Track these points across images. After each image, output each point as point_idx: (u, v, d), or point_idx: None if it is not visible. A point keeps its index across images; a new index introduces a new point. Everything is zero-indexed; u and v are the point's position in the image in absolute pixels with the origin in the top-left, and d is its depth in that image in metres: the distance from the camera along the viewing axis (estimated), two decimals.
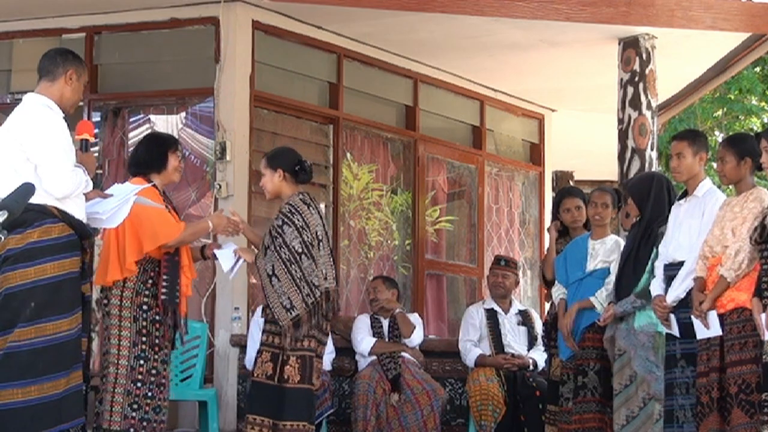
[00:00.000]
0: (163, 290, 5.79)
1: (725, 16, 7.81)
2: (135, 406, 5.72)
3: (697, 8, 7.71)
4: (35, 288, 5.06)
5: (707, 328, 5.77)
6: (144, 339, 5.77)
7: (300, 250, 6.06)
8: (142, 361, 5.75)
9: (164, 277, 5.80)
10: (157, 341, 5.79)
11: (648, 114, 9.05)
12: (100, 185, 6.84)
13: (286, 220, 6.09)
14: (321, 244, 6.15)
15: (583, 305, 6.73)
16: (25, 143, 5.13)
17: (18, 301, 5.04)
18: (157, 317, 5.79)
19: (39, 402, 5.00)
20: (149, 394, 5.75)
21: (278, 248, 6.05)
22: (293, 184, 6.28)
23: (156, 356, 5.78)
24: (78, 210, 5.25)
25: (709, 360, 5.64)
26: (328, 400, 7.40)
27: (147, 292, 5.79)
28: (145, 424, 5.72)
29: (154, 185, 5.97)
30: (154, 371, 5.77)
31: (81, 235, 5.24)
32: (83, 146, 5.45)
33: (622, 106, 9.11)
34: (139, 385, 5.73)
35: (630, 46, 9.05)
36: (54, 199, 5.13)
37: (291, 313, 6.01)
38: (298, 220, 6.10)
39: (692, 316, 5.79)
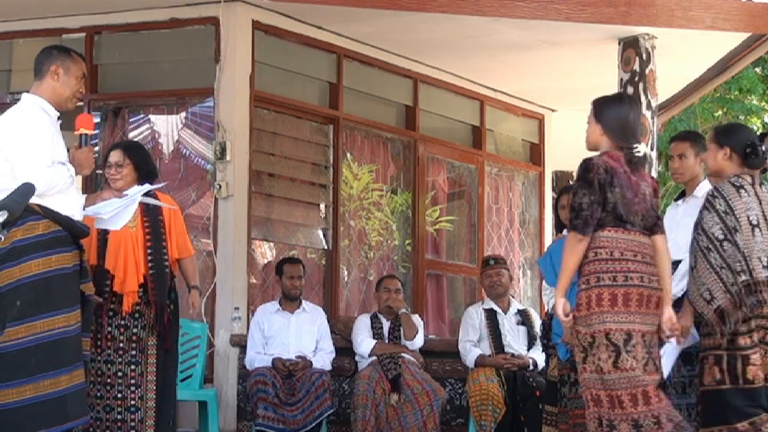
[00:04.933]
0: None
1: (725, 16, 7.80)
2: (90, 406, 5.89)
3: (697, 8, 7.70)
4: (20, 286, 5.03)
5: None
6: (92, 342, 5.92)
7: (721, 237, 5.43)
8: (92, 363, 5.91)
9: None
10: (99, 342, 5.97)
11: (648, 114, 9.04)
12: (100, 185, 6.86)
13: (707, 204, 5.56)
14: (756, 229, 5.47)
15: None
16: (1, 143, 5.12)
17: (6, 301, 5.02)
18: (99, 319, 5.96)
19: (36, 401, 4.97)
20: (98, 394, 5.95)
21: (696, 236, 5.54)
22: (738, 166, 5.62)
23: (99, 357, 5.96)
24: (65, 207, 5.19)
25: None
26: (328, 400, 7.40)
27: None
28: (98, 423, 5.92)
29: (150, 192, 6.11)
30: (99, 372, 5.96)
31: (73, 233, 5.21)
32: (82, 141, 5.40)
33: None
34: (90, 386, 5.91)
35: (630, 46, 9.05)
36: (36, 196, 5.10)
37: (712, 305, 5.40)
38: (720, 205, 5.50)
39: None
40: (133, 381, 5.96)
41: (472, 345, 7.81)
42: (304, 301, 7.96)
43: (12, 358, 4.98)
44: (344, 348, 8.04)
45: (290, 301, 7.88)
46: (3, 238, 4.96)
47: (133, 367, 5.96)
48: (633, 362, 5.06)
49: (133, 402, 5.94)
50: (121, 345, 5.97)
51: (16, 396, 4.96)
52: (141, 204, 6.08)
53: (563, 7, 7.66)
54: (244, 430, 8.03)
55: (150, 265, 6.06)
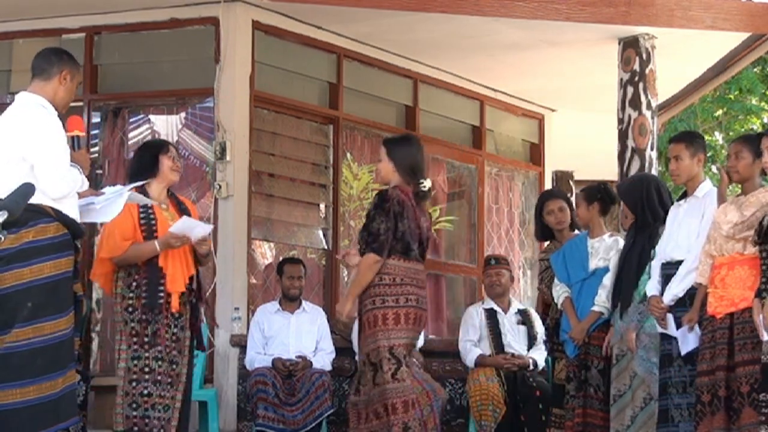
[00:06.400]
0: (144, 294, 6.01)
1: (725, 16, 7.81)
2: (134, 405, 5.91)
3: (697, 8, 7.72)
4: (32, 288, 5.03)
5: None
6: (135, 339, 5.98)
7: None
8: (136, 361, 5.96)
9: (144, 281, 6.03)
10: (147, 339, 5.95)
11: (648, 114, 9.05)
12: (100, 185, 6.86)
13: None
14: None
15: (592, 319, 6.75)
16: (21, 143, 5.10)
17: (13, 302, 5.01)
18: (145, 316, 5.97)
19: (38, 402, 4.98)
20: (145, 392, 5.92)
21: None
22: None
23: (147, 354, 5.94)
24: (72, 209, 5.22)
25: (713, 359, 5.62)
26: (328, 400, 7.40)
27: (131, 295, 6.03)
28: (147, 421, 5.89)
29: (142, 186, 6.11)
30: (147, 369, 5.95)
31: (74, 234, 5.23)
32: (75, 143, 5.42)
33: (622, 106, 9.11)
34: (134, 384, 5.94)
35: (630, 46, 9.05)
36: (49, 198, 5.11)
37: None
38: None
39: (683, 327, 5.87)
40: (170, 380, 5.98)
41: (472, 345, 7.80)
42: (304, 302, 7.96)
43: (19, 358, 4.98)
44: (344, 348, 8.04)
45: (290, 302, 7.88)
46: (3, 239, 4.96)
47: (174, 366, 6.00)
48: (407, 373, 5.92)
49: (167, 401, 5.96)
50: (167, 344, 5.99)
51: (20, 396, 4.97)
52: (174, 202, 6.21)
53: (563, 7, 7.67)
54: (244, 430, 8.03)
55: (195, 263, 6.19)
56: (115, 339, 6.12)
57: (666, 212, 6.42)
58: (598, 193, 6.99)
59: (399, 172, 6.09)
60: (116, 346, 6.08)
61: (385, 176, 6.18)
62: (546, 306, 7.66)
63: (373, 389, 5.96)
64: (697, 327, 5.87)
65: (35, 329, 5.02)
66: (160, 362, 5.96)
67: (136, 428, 5.87)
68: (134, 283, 6.02)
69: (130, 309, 6.01)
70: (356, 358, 7.98)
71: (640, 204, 6.50)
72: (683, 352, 5.93)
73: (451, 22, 8.71)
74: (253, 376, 7.47)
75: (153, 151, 6.28)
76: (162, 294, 5.99)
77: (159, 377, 5.94)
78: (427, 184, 6.15)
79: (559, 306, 7.07)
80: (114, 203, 5.59)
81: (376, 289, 5.97)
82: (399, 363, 5.91)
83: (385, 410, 5.92)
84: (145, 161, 6.24)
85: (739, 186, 5.86)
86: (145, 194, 6.11)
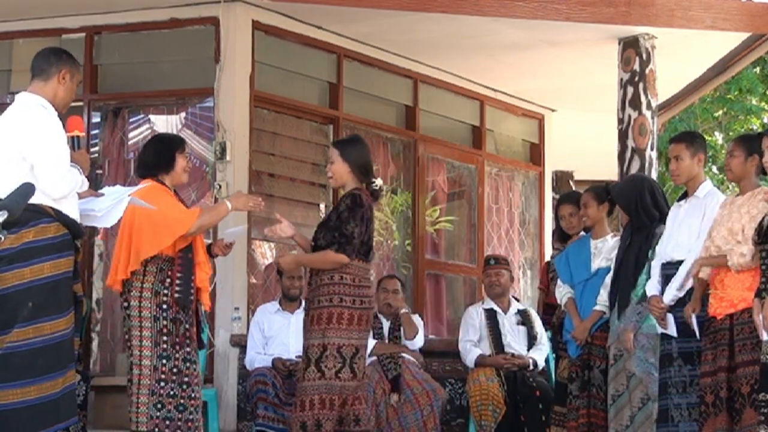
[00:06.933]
0: (177, 289, 5.85)
1: (725, 16, 7.82)
2: (159, 406, 5.78)
3: (697, 8, 7.72)
4: (32, 288, 5.03)
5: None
6: (165, 338, 5.82)
7: None
8: (164, 360, 5.80)
9: (178, 275, 5.87)
10: (178, 339, 5.84)
11: (648, 114, 9.05)
12: (100, 185, 6.86)
13: None
14: None
15: (594, 318, 6.75)
16: (21, 143, 5.11)
17: (14, 301, 5.01)
18: (178, 315, 5.85)
19: (38, 402, 4.99)
20: (172, 392, 5.79)
21: None
22: None
23: (177, 354, 5.83)
24: (72, 209, 5.23)
25: (715, 360, 5.63)
26: None
27: (166, 291, 5.85)
28: (168, 423, 5.77)
29: (159, 181, 6.03)
30: (175, 369, 5.82)
31: (74, 235, 5.23)
32: (75, 143, 5.42)
33: (622, 106, 9.11)
34: (162, 384, 5.79)
35: (630, 46, 9.06)
36: (50, 198, 5.11)
37: None
38: None
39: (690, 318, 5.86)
40: (196, 380, 5.88)
41: (472, 345, 7.81)
42: (304, 301, 7.96)
43: (20, 358, 4.99)
44: None
45: (290, 301, 7.88)
46: (3, 239, 4.96)
47: (195, 366, 5.90)
48: (350, 374, 5.95)
49: (196, 402, 5.85)
50: (188, 342, 5.90)
51: (20, 396, 4.97)
52: (180, 201, 6.12)
53: (563, 7, 7.68)
54: (244, 430, 8.04)
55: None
56: (132, 335, 5.83)
57: (660, 213, 6.44)
58: (607, 194, 7.02)
59: (354, 173, 6.16)
60: (136, 342, 5.82)
61: (340, 178, 6.23)
62: (548, 306, 7.66)
63: (301, 381, 5.99)
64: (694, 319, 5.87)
65: (35, 329, 5.02)
66: (188, 364, 5.84)
67: (157, 429, 5.75)
68: (168, 279, 5.85)
69: (165, 306, 5.83)
70: None
71: (633, 205, 6.53)
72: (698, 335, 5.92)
73: (451, 22, 8.71)
74: (253, 376, 7.47)
75: (171, 147, 6.12)
76: (193, 291, 5.89)
77: (186, 378, 5.82)
78: (378, 182, 6.25)
79: (562, 307, 7.08)
80: (115, 209, 5.57)
81: (337, 288, 6.01)
82: (344, 363, 5.95)
83: (301, 405, 5.93)
84: (161, 156, 6.08)
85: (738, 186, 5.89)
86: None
